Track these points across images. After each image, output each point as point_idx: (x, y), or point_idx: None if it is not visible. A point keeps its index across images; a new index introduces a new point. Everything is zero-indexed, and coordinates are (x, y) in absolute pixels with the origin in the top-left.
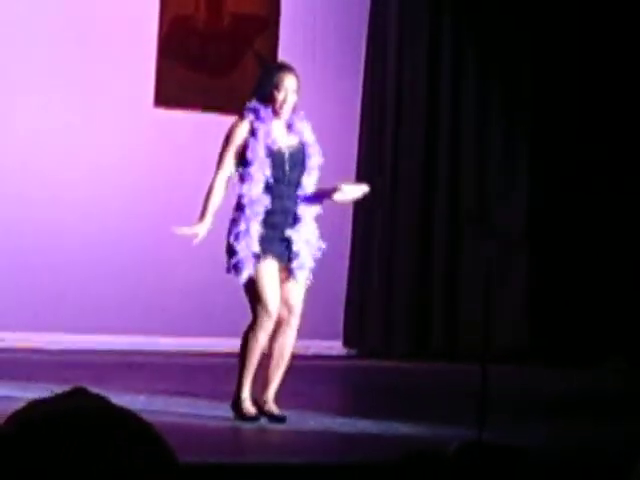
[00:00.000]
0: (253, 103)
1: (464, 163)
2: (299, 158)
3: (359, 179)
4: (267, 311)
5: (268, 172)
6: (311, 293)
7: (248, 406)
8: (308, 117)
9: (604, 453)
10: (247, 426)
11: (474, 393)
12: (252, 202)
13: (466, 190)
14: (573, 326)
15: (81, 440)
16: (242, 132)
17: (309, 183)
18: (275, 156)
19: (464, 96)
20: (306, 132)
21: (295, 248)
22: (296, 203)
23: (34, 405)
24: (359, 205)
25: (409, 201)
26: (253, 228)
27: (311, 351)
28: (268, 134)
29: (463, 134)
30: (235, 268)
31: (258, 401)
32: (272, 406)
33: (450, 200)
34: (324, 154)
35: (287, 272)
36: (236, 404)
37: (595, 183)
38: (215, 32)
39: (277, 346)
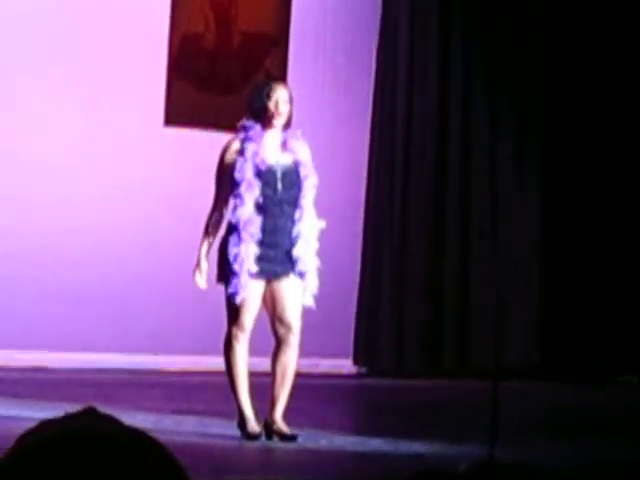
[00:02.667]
0: (245, 121)
1: (475, 180)
2: (293, 177)
3: (369, 197)
4: (241, 326)
5: (257, 191)
6: (322, 311)
7: (252, 425)
8: (317, 134)
9: (618, 470)
10: (258, 445)
11: (486, 410)
12: (245, 223)
13: (477, 207)
14: (585, 343)
15: (95, 460)
16: (230, 154)
17: (306, 203)
18: (265, 175)
19: (475, 113)
20: (301, 151)
21: (298, 266)
22: (293, 222)
23: (45, 425)
24: (370, 222)
25: (420, 219)
26: (249, 249)
27: (321, 369)
28: (256, 153)
29: (474, 150)
30: (233, 289)
31: (267, 421)
32: (282, 425)
33: (461, 217)
34: (333, 172)
35: (282, 289)
36: (241, 423)
37: (608, 199)
38: (225, 51)
39: (279, 366)
